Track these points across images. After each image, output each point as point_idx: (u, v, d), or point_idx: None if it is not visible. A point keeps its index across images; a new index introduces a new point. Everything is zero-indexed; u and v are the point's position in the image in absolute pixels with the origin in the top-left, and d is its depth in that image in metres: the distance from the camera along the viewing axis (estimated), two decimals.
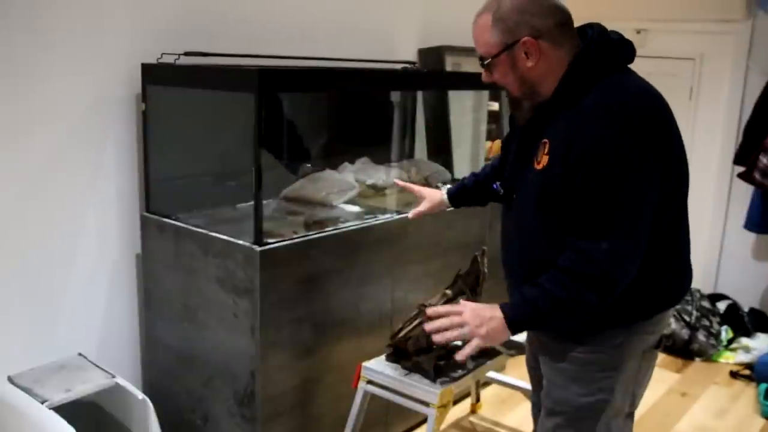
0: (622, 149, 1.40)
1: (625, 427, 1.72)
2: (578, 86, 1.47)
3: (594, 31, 1.53)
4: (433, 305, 2.08)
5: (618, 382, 1.58)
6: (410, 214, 2.11)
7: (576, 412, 1.60)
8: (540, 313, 1.49)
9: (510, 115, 1.85)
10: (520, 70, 1.51)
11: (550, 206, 1.50)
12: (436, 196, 2.07)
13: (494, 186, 1.78)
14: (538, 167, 1.52)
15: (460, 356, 1.56)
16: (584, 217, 1.45)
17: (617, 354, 1.56)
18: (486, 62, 1.54)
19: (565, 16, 1.52)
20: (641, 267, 1.50)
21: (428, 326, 1.59)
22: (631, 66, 1.56)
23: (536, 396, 1.88)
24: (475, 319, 1.53)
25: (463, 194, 2.06)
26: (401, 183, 2.17)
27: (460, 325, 1.54)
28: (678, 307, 3.62)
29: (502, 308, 1.53)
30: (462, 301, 1.62)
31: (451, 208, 2.10)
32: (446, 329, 1.56)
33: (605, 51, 1.50)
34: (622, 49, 1.53)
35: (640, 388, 1.68)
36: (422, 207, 2.08)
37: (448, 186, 2.11)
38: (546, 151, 1.51)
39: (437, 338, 1.57)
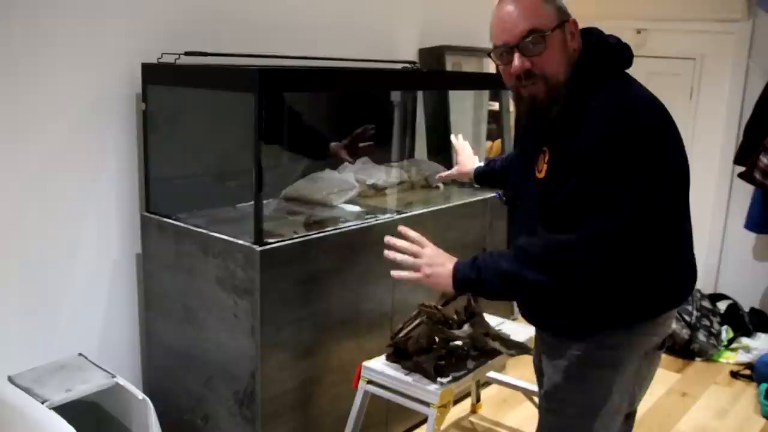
0: (607, 155, 1.39)
1: (625, 426, 1.72)
2: (580, 91, 1.46)
3: (593, 36, 1.52)
4: (434, 305, 2.08)
5: (616, 381, 1.58)
6: (437, 177, 2.25)
7: (573, 409, 1.60)
8: (483, 279, 1.53)
9: (516, 122, 1.85)
10: (569, 51, 1.47)
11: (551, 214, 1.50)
12: (467, 166, 2.18)
13: (496, 195, 1.79)
14: (539, 176, 1.52)
15: (394, 274, 1.66)
16: (555, 211, 1.45)
17: (616, 354, 1.56)
18: (544, 34, 1.43)
19: None
20: (642, 269, 1.50)
21: (388, 238, 1.67)
22: (632, 65, 1.56)
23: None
24: (430, 258, 1.63)
25: (489, 176, 2.13)
26: (456, 141, 2.26)
27: (415, 255, 1.63)
28: (678, 307, 3.64)
29: (456, 263, 1.60)
30: (423, 239, 1.69)
31: (476, 184, 2.21)
32: (401, 252, 1.65)
33: (605, 55, 1.50)
34: (620, 53, 1.53)
35: (640, 389, 1.68)
36: (451, 171, 2.24)
37: (481, 164, 2.17)
38: (546, 159, 1.50)
39: (387, 253, 1.66)
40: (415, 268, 1.63)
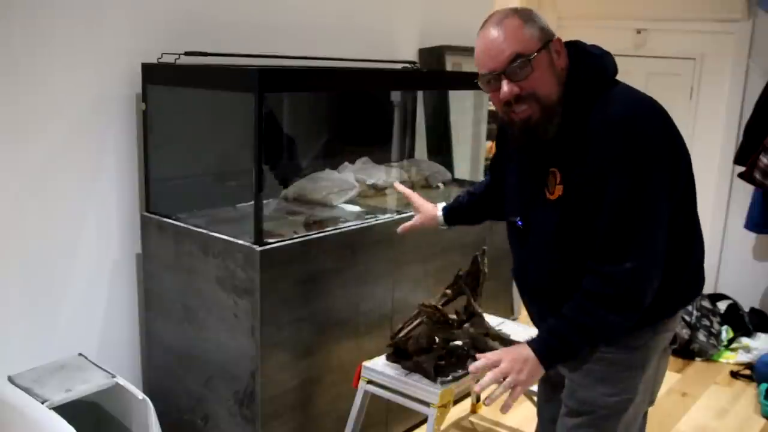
0: (635, 166, 1.39)
1: (641, 423, 1.75)
2: (578, 106, 1.45)
3: (579, 49, 1.52)
4: (434, 305, 2.08)
5: (642, 381, 1.60)
6: (400, 229, 2.07)
7: (601, 411, 1.60)
8: (569, 343, 1.49)
9: (497, 144, 1.82)
10: (557, 70, 1.46)
11: (572, 236, 1.48)
12: (430, 212, 2.03)
13: (518, 223, 1.64)
14: (552, 198, 1.50)
15: (505, 410, 1.50)
16: (603, 238, 1.44)
17: (643, 353, 1.58)
18: (529, 57, 1.42)
19: None
20: (666, 269, 1.50)
21: (478, 388, 1.54)
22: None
23: (546, 396, 1.88)
24: (514, 365, 1.50)
25: (459, 214, 2.02)
26: (401, 188, 2.10)
27: (504, 376, 1.51)
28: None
29: (530, 344, 1.52)
30: (489, 354, 1.57)
31: (445, 227, 2.05)
32: (493, 384, 1.52)
33: (594, 67, 1.50)
34: (607, 62, 1.53)
35: (657, 386, 1.71)
36: (414, 221, 2.05)
37: (444, 204, 2.04)
38: (558, 180, 1.49)
39: (489, 402, 1.53)
40: (512, 386, 1.50)
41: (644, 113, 1.44)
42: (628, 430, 1.64)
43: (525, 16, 1.45)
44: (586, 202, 1.45)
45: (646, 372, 1.60)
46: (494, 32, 1.44)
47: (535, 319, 1.71)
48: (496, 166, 1.83)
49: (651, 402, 1.72)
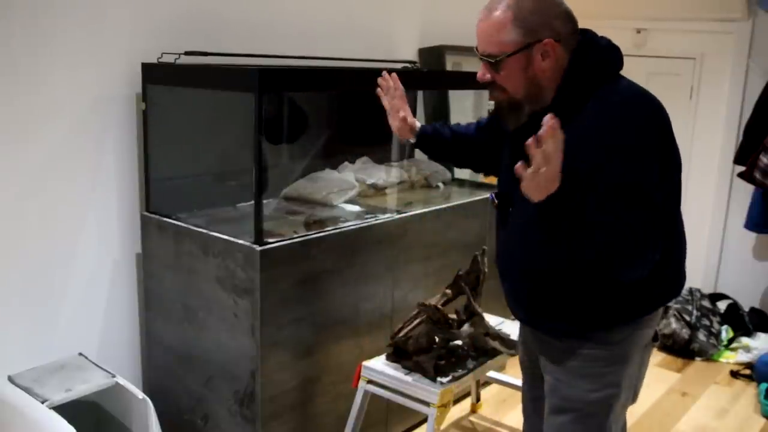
0: (630, 152, 1.40)
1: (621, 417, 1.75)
2: (577, 94, 1.48)
3: (585, 38, 1.53)
4: (434, 305, 2.08)
5: (624, 376, 1.60)
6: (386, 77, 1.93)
7: (586, 408, 1.61)
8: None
9: (495, 120, 1.82)
10: (534, 71, 1.48)
11: (554, 217, 1.47)
12: (411, 121, 1.90)
13: (490, 196, 1.70)
14: None
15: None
16: (594, 203, 1.39)
17: (623, 348, 1.59)
18: (496, 59, 1.47)
19: (577, 25, 1.53)
20: None
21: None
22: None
23: (531, 392, 1.89)
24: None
25: (436, 142, 1.93)
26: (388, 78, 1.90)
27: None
28: (678, 306, 3.64)
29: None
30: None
31: (413, 141, 1.92)
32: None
33: (599, 58, 1.51)
34: (612, 55, 1.54)
35: (640, 382, 1.72)
36: (401, 109, 1.91)
37: (422, 124, 1.93)
38: None
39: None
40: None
41: (642, 105, 1.46)
42: (612, 428, 1.63)
43: (519, 12, 1.44)
44: (574, 186, 1.40)
45: (629, 367, 1.61)
46: (483, 22, 1.48)
47: (511, 303, 1.73)
48: (490, 130, 1.81)
49: (633, 398, 1.72)
